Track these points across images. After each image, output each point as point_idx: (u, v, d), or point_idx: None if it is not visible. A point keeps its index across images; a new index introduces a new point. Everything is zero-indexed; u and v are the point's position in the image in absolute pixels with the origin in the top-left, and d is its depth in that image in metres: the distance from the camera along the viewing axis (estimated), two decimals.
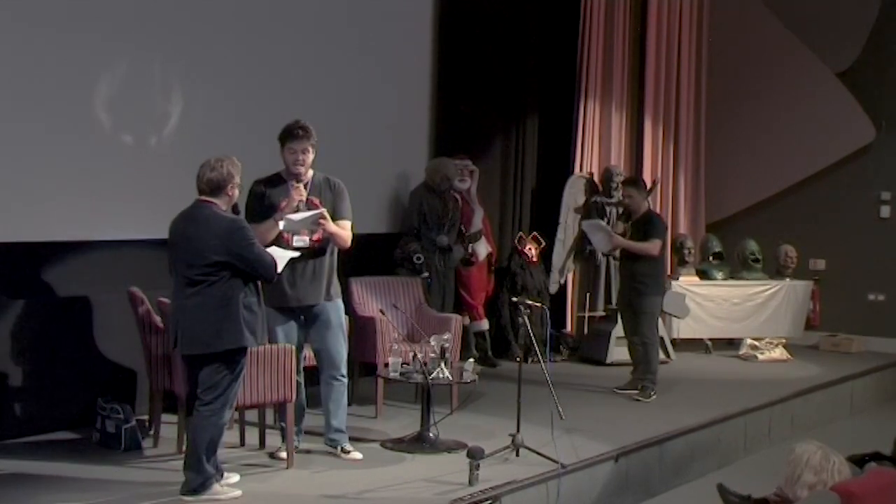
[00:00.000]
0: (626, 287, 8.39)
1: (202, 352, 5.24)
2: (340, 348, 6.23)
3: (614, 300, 9.48)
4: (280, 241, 5.96)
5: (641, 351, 8.23)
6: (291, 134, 5.98)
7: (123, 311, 6.40)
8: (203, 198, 5.30)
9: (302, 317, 6.15)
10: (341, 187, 6.17)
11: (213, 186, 5.28)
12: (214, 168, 5.29)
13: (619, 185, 9.85)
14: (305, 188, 6.03)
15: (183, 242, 5.25)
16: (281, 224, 5.87)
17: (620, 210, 9.71)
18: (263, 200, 6.01)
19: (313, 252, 6.05)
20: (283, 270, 5.83)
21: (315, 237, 6.04)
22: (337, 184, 6.17)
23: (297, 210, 5.91)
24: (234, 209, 5.42)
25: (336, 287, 6.22)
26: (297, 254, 5.84)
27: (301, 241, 6.00)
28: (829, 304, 11.18)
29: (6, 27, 6.20)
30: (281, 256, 5.55)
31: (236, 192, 5.38)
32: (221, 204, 5.31)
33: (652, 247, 8.12)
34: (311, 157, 6.03)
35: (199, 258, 5.18)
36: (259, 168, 6.18)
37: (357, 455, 6.22)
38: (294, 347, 6.01)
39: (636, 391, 8.17)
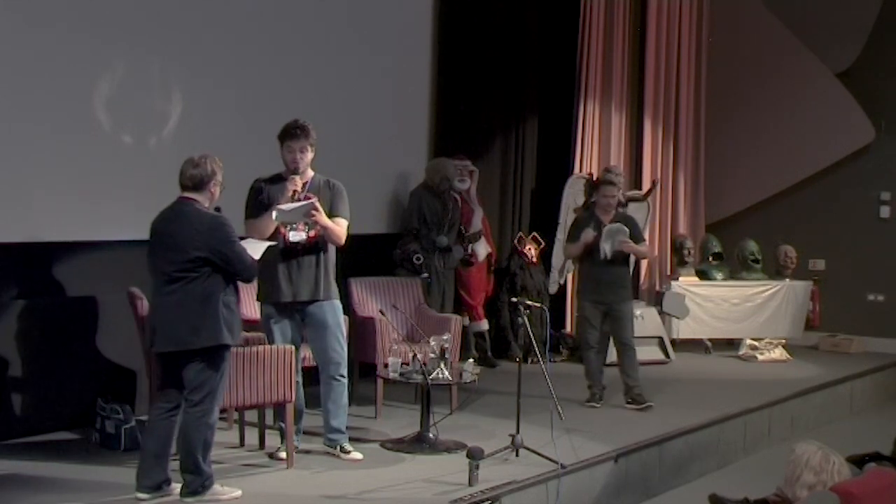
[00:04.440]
0: (612, 292, 7.87)
1: (179, 349, 5.21)
2: (338, 348, 6.22)
3: None
4: (277, 237, 5.98)
5: (632, 356, 7.89)
6: (289, 133, 6.03)
7: (123, 311, 6.40)
8: (185, 195, 5.30)
9: (298, 315, 6.16)
10: (340, 188, 6.20)
11: (196, 182, 5.27)
12: (198, 165, 5.28)
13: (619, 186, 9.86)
14: (304, 187, 6.07)
15: (164, 239, 5.25)
16: (273, 214, 5.88)
17: (620, 211, 9.70)
18: (262, 197, 6.04)
19: (310, 248, 6.08)
20: (279, 266, 5.88)
21: (312, 233, 6.06)
22: (336, 185, 6.20)
23: (291, 201, 5.93)
24: (217, 210, 5.40)
25: (333, 287, 6.22)
26: (273, 243, 5.82)
27: (298, 235, 6.02)
28: (829, 305, 11.19)
29: (6, 27, 6.20)
30: (256, 247, 5.52)
31: (218, 190, 5.35)
32: (203, 201, 5.30)
33: (650, 250, 8.01)
34: (309, 155, 6.07)
35: (180, 254, 5.17)
36: (259, 168, 6.21)
37: (357, 455, 6.22)
38: (294, 348, 6.01)
39: (645, 403, 7.79)
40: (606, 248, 7.79)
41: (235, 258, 5.25)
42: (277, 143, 6.08)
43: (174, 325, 5.20)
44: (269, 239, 5.91)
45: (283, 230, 6.00)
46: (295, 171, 6.02)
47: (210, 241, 5.18)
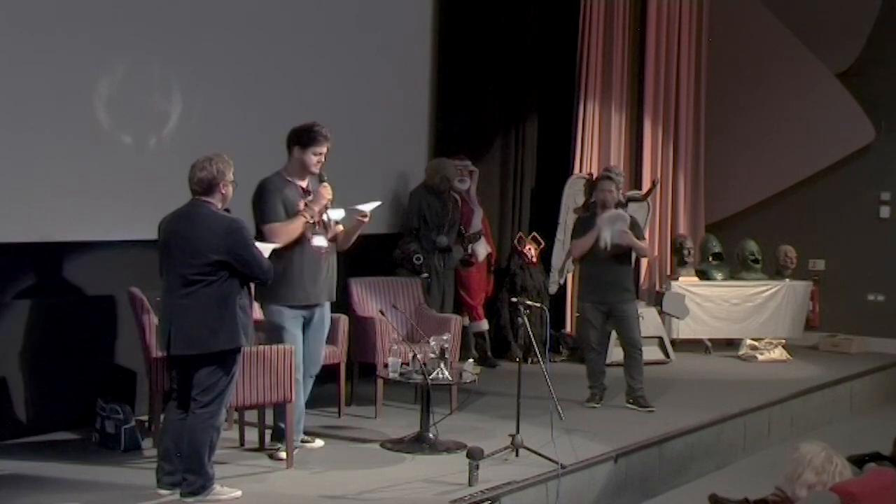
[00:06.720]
0: (613, 293, 7.83)
1: (198, 352, 5.21)
2: (322, 349, 6.46)
3: None
4: (302, 241, 6.07)
5: (638, 357, 7.86)
6: (316, 139, 6.12)
7: (123, 311, 6.40)
8: (198, 198, 5.29)
9: (304, 317, 6.24)
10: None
11: (206, 186, 5.26)
12: (204, 167, 5.26)
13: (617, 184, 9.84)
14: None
15: (179, 241, 5.22)
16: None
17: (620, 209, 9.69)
18: (283, 200, 6.09)
19: (328, 252, 6.24)
20: (304, 269, 6.02)
21: (330, 235, 6.20)
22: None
23: (327, 208, 6.13)
24: (226, 211, 5.39)
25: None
26: (278, 245, 5.86)
27: (321, 240, 6.12)
28: (829, 305, 11.19)
29: (5, 28, 6.20)
30: (264, 248, 5.53)
31: (230, 190, 5.34)
32: (216, 202, 5.29)
33: (650, 250, 7.99)
34: None
35: (198, 257, 5.16)
36: (259, 167, 6.21)
37: (318, 443, 6.46)
38: (295, 348, 6.02)
39: (647, 407, 7.76)
40: (607, 237, 7.73)
41: (254, 261, 5.26)
42: (289, 144, 6.16)
43: (193, 328, 5.18)
44: (297, 240, 6.02)
45: (308, 235, 6.07)
46: (316, 175, 6.18)
47: (229, 245, 5.18)
